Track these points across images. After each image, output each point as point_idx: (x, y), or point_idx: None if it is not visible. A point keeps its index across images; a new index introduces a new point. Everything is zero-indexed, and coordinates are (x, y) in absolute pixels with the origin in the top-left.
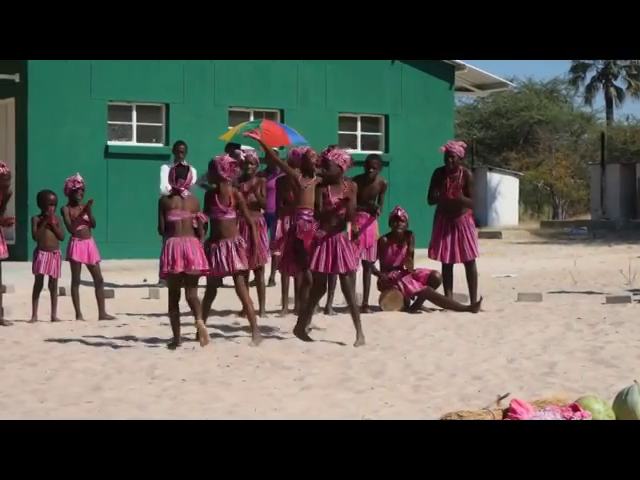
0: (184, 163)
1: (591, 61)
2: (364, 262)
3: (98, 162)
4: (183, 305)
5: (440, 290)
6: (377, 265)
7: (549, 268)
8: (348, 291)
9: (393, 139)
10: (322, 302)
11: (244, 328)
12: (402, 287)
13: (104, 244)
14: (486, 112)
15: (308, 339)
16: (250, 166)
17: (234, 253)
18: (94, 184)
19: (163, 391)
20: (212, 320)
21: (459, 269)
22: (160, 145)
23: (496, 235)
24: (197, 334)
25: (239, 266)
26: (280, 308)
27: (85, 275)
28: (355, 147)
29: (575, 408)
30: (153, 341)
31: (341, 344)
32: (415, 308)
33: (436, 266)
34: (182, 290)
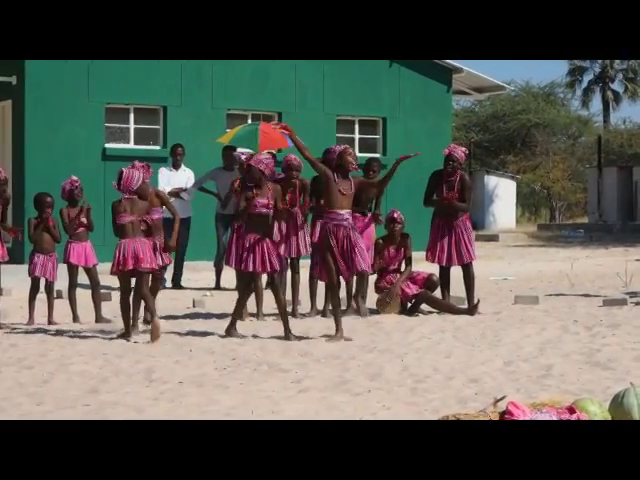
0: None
1: (588, 64)
2: None
3: (96, 165)
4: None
5: (437, 293)
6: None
7: (546, 271)
8: (277, 291)
9: (391, 142)
10: (320, 305)
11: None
12: (399, 290)
13: (101, 247)
14: (484, 115)
15: (240, 336)
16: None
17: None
18: (92, 187)
19: (160, 394)
20: (209, 323)
21: (456, 272)
22: (157, 148)
23: (493, 238)
24: (151, 329)
25: None
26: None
27: (82, 278)
28: (353, 150)
29: (571, 410)
30: (150, 344)
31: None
32: (412, 311)
33: (433, 269)
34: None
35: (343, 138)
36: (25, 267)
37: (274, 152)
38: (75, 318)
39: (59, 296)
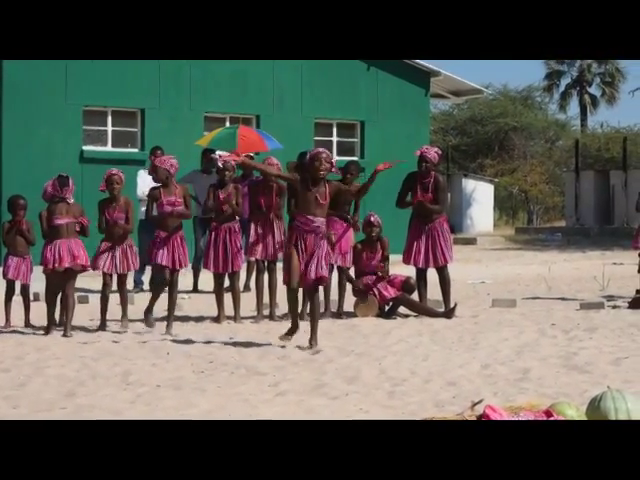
0: (63, 174)
1: (565, 68)
2: (339, 268)
3: (73, 167)
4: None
5: (415, 296)
6: (352, 271)
7: (524, 274)
8: (173, 289)
9: (369, 145)
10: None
11: (218, 334)
12: (377, 293)
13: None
14: (461, 119)
15: (152, 325)
16: (227, 173)
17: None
18: None
19: (137, 397)
20: (186, 326)
21: (433, 274)
22: (135, 150)
23: (471, 241)
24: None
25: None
26: (255, 314)
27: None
28: (331, 153)
29: (549, 414)
30: (127, 347)
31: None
32: (390, 314)
33: (411, 272)
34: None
35: (321, 141)
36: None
37: (252, 155)
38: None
39: (37, 299)
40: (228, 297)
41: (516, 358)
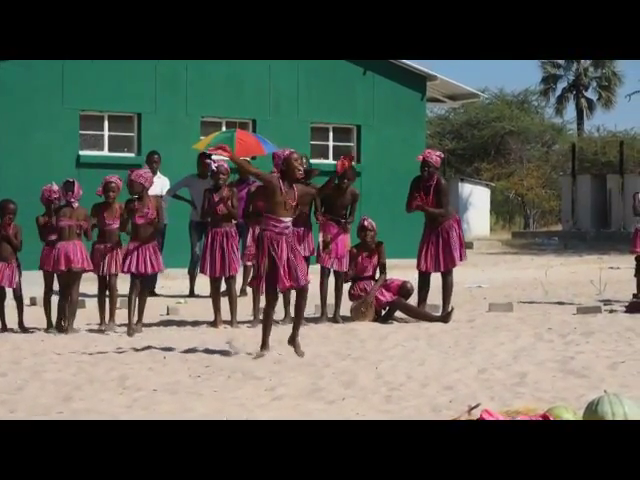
0: (70, 179)
1: (562, 72)
2: (336, 272)
3: (70, 172)
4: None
5: (411, 300)
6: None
7: (520, 278)
8: (144, 293)
9: (365, 149)
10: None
11: (215, 338)
12: (374, 298)
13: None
14: (458, 123)
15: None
16: (221, 176)
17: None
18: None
19: (134, 401)
20: (183, 330)
21: (435, 279)
22: (132, 155)
23: (468, 246)
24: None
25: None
26: (252, 318)
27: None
28: (327, 157)
29: (545, 418)
30: (124, 351)
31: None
32: (386, 318)
33: (408, 276)
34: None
35: (317, 145)
36: None
37: (249, 159)
38: (49, 325)
39: (34, 303)
40: (225, 301)
41: (513, 362)
